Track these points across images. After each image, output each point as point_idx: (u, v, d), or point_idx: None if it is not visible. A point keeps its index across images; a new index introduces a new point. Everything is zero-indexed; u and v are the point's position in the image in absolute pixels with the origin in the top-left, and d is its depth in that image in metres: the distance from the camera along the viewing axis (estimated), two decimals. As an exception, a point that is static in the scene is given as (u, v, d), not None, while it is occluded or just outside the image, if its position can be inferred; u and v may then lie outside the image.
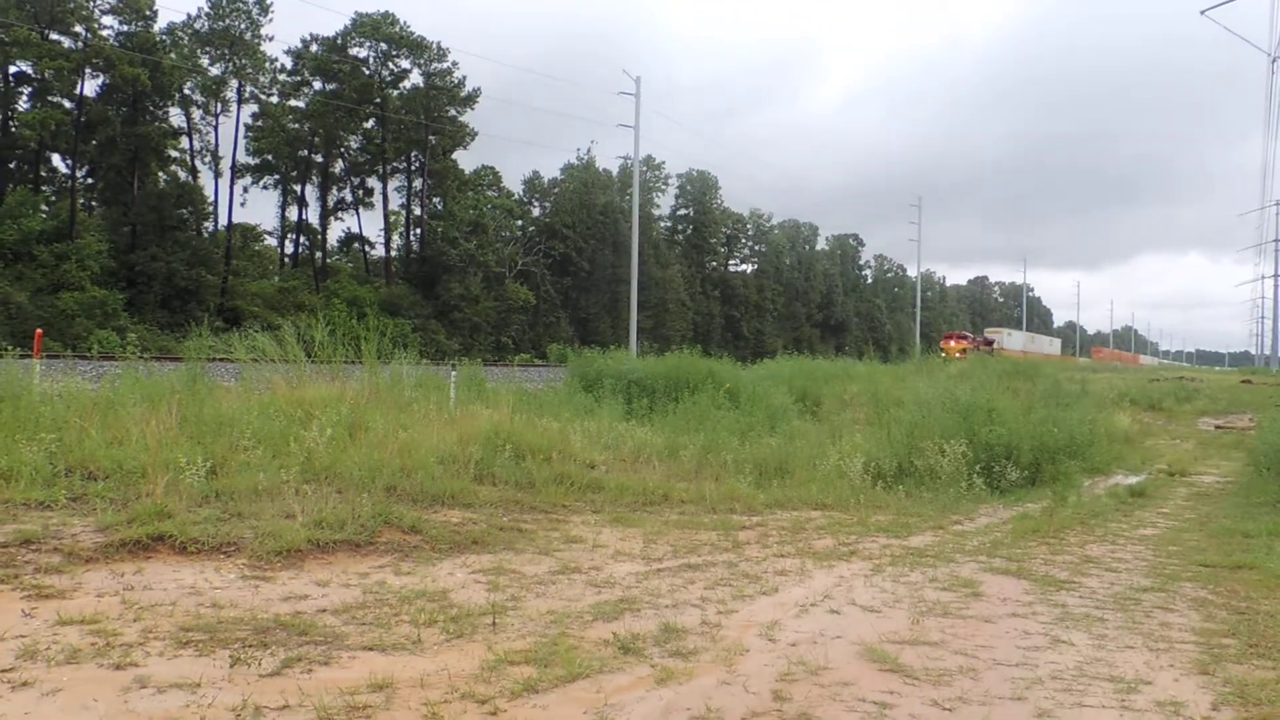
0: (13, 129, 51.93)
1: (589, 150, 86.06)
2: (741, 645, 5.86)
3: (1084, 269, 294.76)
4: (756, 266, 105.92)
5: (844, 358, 46.13)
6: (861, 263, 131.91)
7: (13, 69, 51.63)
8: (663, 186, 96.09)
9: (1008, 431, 14.84)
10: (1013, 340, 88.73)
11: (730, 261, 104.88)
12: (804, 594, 7.28)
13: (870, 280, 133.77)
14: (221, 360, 16.81)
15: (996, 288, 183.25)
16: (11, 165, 54.77)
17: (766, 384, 22.40)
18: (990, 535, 10.51)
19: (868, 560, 8.76)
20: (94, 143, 53.78)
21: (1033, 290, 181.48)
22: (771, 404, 19.05)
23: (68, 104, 52.53)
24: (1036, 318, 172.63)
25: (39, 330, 16.06)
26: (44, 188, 55.16)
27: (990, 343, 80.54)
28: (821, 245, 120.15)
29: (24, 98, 53.03)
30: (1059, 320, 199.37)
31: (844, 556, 8.88)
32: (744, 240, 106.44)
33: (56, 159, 56.28)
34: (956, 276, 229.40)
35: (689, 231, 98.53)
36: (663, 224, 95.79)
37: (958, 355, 63.64)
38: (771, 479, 12.92)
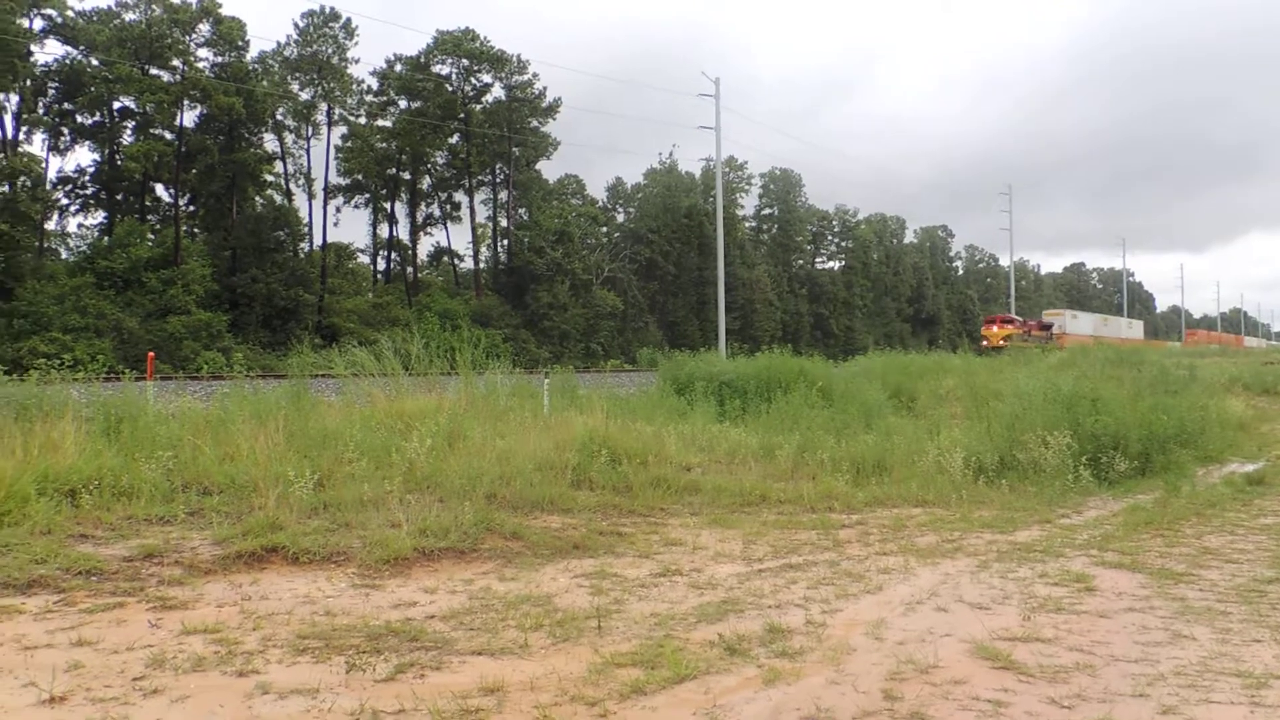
0: (119, 162, 54.12)
1: (671, 154, 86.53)
2: (848, 644, 5.80)
3: (1188, 251, 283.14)
4: (844, 263, 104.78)
5: (937, 351, 45.26)
6: (952, 254, 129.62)
7: (117, 104, 53.84)
8: (746, 186, 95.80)
9: (1114, 421, 14.38)
10: (1079, 324, 76.24)
11: (817, 259, 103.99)
12: (909, 592, 7.18)
13: (961, 272, 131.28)
14: (322, 376, 17.28)
15: (1094, 274, 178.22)
16: (119, 197, 57.12)
17: (859, 381, 22.12)
18: (1100, 528, 10.21)
19: (973, 556, 8.59)
20: (194, 171, 55.70)
21: (1133, 275, 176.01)
22: (865, 401, 18.80)
23: (169, 135, 54.53)
24: (1138, 303, 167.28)
25: (150, 354, 16.72)
26: (149, 217, 57.36)
27: (1048, 327, 69.37)
28: (910, 238, 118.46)
29: (128, 131, 55.24)
30: (1162, 305, 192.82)
31: (948, 553, 8.73)
32: (830, 237, 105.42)
33: (160, 189, 58.47)
34: (1052, 264, 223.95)
35: (774, 230, 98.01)
36: (747, 224, 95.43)
37: (1001, 343, 57.25)
38: (869, 477, 12.74)
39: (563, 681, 5.00)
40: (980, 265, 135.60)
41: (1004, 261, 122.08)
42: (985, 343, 60.52)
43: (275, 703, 4.63)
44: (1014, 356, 38.57)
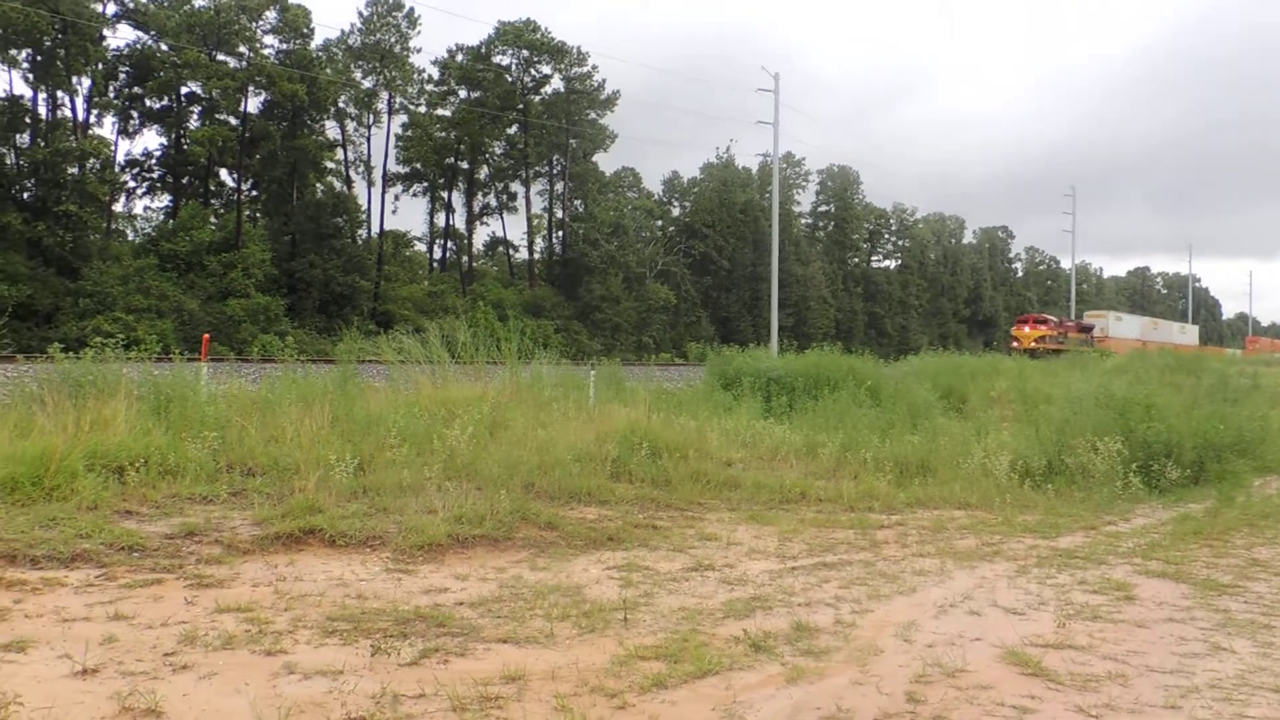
0: (185, 146, 55.18)
1: (728, 149, 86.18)
2: (876, 645, 5.75)
3: (1257, 257, 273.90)
4: (900, 262, 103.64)
5: (992, 353, 44.61)
6: (1011, 256, 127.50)
7: (184, 89, 54.86)
8: (803, 183, 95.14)
9: (1168, 428, 14.06)
10: (1124, 326, 70.59)
11: (873, 257, 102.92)
12: (943, 595, 7.09)
13: (1021, 274, 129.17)
14: (371, 362, 17.49)
15: (1159, 279, 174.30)
16: (184, 180, 58.24)
17: (909, 381, 21.87)
18: (1147, 536, 10.00)
19: (1012, 561, 8.46)
20: (257, 157, 56.60)
21: (1199, 280, 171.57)
22: (914, 401, 18.57)
23: (233, 121, 55.48)
24: (1203, 309, 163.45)
25: (206, 335, 17.04)
26: (213, 201, 58.37)
27: (1088, 329, 63.98)
28: (969, 238, 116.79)
29: (194, 116, 56.28)
30: (1228, 312, 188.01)
31: (987, 557, 8.60)
32: (887, 235, 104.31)
33: (224, 173, 59.50)
34: (1115, 268, 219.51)
35: (830, 228, 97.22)
36: (803, 221, 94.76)
37: (1033, 345, 53.00)
38: (912, 477, 12.58)
39: (584, 672, 5.02)
40: (1040, 267, 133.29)
41: (1065, 264, 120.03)
42: (1015, 344, 56.06)
43: (300, 682, 4.70)
44: (1070, 361, 37.57)
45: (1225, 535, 10.09)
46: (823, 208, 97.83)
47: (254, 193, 60.47)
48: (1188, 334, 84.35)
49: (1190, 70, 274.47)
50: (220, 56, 53.74)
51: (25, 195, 45.81)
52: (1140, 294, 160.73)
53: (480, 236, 77.51)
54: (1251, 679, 5.36)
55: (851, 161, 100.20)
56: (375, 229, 65.20)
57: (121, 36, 53.54)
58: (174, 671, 4.75)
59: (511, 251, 77.48)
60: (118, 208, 56.63)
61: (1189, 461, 13.81)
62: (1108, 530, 10.36)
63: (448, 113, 67.46)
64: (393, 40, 62.14)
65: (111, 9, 50.85)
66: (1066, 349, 51.20)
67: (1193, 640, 6.13)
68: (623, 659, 5.25)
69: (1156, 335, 71.87)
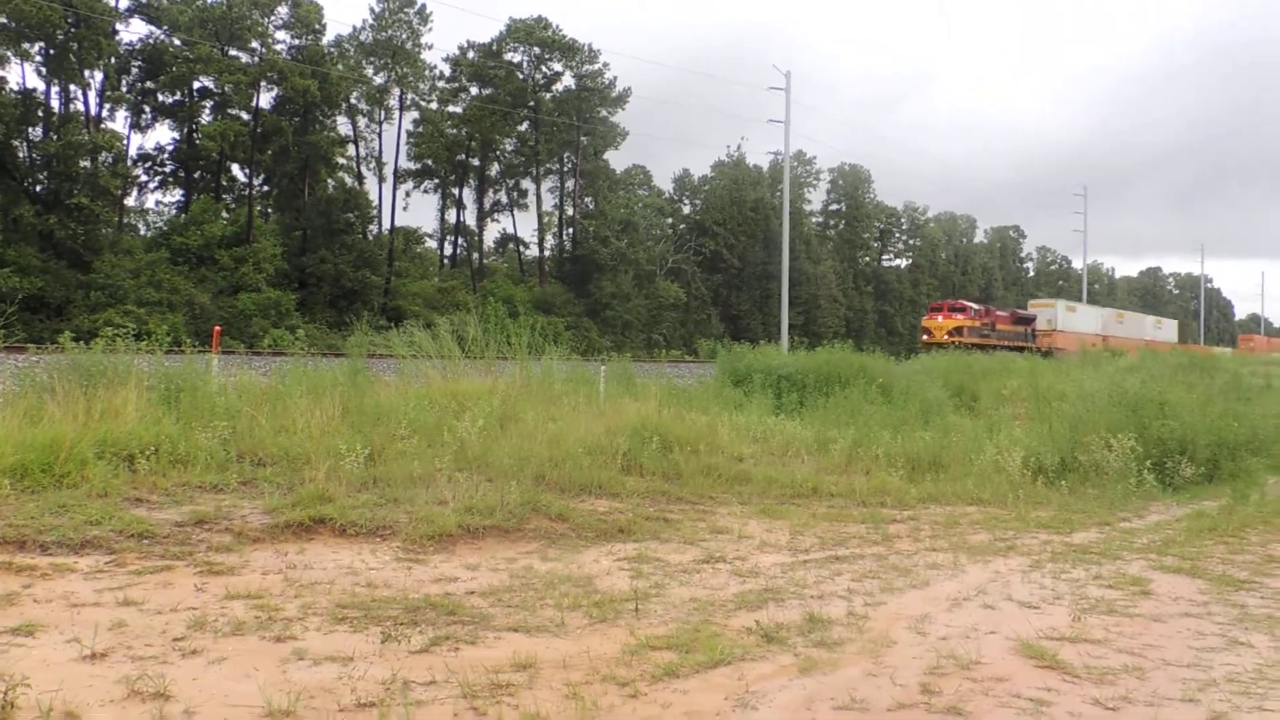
0: (197, 141, 55.29)
1: (739, 147, 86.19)
2: (889, 637, 5.70)
3: (1272, 258, 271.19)
4: (911, 261, 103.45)
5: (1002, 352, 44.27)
6: (1023, 255, 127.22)
7: (196, 84, 54.99)
8: (814, 182, 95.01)
9: (1182, 425, 13.98)
10: (1079, 319, 57.72)
11: (884, 256, 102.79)
12: (956, 588, 7.03)
13: (1032, 274, 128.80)
14: (382, 356, 17.47)
15: (1171, 279, 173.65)
16: (196, 175, 58.43)
17: (920, 379, 21.80)
18: (1162, 533, 9.92)
19: (1026, 556, 8.40)
20: (269, 152, 56.68)
21: (1211, 281, 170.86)
22: (925, 398, 18.51)
23: (245, 116, 55.56)
24: (1216, 309, 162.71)
25: (217, 328, 17.03)
26: (224, 196, 58.56)
27: (1028, 321, 52.93)
28: (980, 238, 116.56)
29: (206, 111, 56.40)
30: (1241, 313, 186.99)
31: (1000, 552, 8.54)
32: (898, 234, 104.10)
33: (236, 168, 59.62)
34: (1128, 269, 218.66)
35: (841, 226, 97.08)
36: (814, 219, 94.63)
37: (946, 338, 44.30)
38: (924, 473, 12.53)
39: (595, 661, 4.98)
40: (1052, 267, 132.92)
41: (1077, 264, 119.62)
42: (925, 338, 47.09)
43: (309, 669, 4.68)
44: (1079, 360, 36.97)
45: (1240, 532, 10.00)
46: (834, 206, 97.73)
47: (265, 188, 60.61)
48: (1164, 329, 72.88)
49: (1204, 72, 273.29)
50: (232, 52, 53.84)
51: (38, 188, 45.95)
52: (1152, 294, 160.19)
53: (491, 233, 77.73)
54: (1270, 673, 5.29)
55: (863, 161, 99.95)
56: (386, 225, 65.34)
57: (134, 31, 53.56)
58: (183, 656, 4.73)
59: (522, 248, 77.61)
60: (130, 201, 56.86)
61: (1203, 459, 13.73)
62: (1122, 526, 10.29)
63: (459, 109, 67.49)
64: (404, 37, 62.14)
65: (124, 3, 50.95)
66: (993, 344, 43.39)
67: (1210, 635, 6.06)
68: (634, 648, 5.21)
69: (1122, 330, 62.19)
